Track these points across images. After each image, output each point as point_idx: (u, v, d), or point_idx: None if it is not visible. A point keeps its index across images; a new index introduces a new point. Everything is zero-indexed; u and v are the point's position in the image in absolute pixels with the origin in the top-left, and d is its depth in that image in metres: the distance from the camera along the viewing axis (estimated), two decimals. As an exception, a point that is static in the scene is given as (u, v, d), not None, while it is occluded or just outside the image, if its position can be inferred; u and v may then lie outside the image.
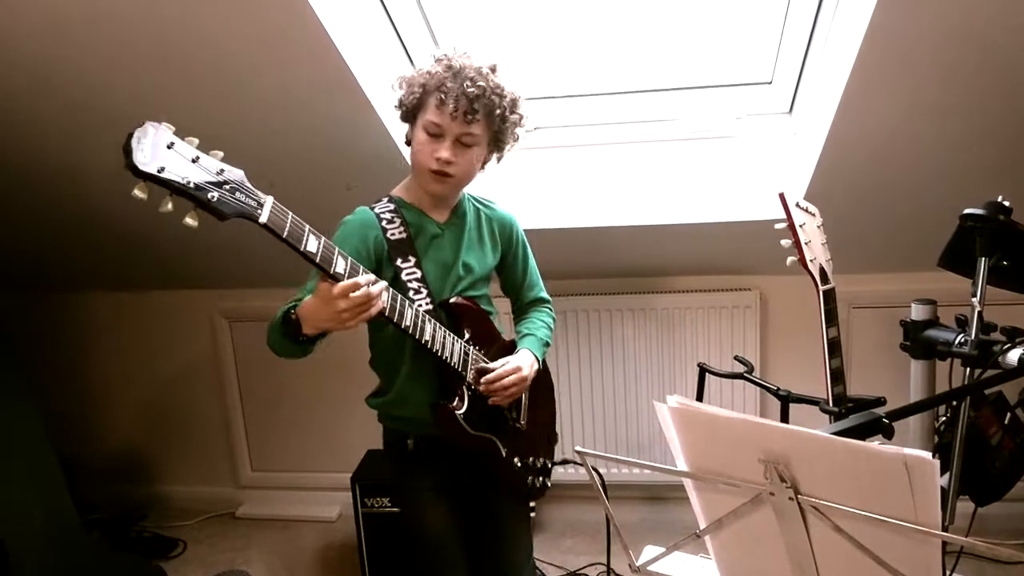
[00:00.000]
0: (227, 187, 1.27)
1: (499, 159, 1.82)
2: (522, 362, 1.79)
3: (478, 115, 1.65)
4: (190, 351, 3.24)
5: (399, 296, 1.55)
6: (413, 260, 1.70)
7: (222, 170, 1.28)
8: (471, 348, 1.74)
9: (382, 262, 1.69)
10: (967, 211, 1.66)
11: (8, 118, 2.23)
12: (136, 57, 2.00)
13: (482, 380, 1.73)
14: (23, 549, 1.99)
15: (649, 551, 1.26)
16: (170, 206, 1.23)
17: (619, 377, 2.86)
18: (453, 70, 1.64)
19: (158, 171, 1.19)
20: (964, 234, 1.68)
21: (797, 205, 1.81)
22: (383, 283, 1.48)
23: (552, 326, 1.97)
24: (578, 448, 1.11)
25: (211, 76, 2.06)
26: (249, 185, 1.31)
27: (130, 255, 2.89)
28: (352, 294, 1.41)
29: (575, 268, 2.75)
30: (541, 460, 1.93)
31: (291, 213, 1.36)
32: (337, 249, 1.43)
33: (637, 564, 1.23)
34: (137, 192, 1.19)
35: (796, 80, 2.33)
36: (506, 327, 1.94)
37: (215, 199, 1.25)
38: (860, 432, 1.36)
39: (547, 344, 1.92)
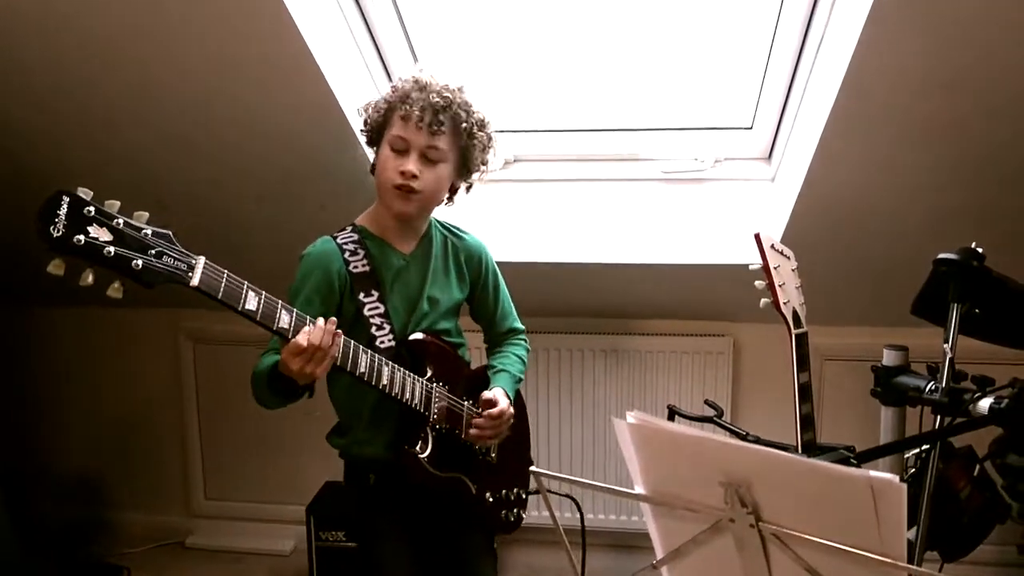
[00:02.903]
0: (152, 252, 1.21)
1: (468, 188, 1.79)
2: (498, 399, 1.75)
3: (443, 127, 1.62)
4: (150, 371, 3.15)
5: (351, 343, 1.50)
6: (376, 294, 1.65)
7: (146, 233, 1.21)
8: (434, 386, 1.68)
9: (344, 296, 1.64)
10: (941, 256, 1.65)
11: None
12: (117, 75, 1.98)
13: (471, 433, 1.70)
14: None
15: (605, 584, 1.21)
16: (91, 279, 1.16)
17: (588, 417, 2.80)
18: (419, 84, 1.63)
19: (74, 243, 1.12)
20: (937, 280, 1.68)
21: (772, 247, 1.80)
22: (330, 324, 1.42)
23: (525, 359, 1.93)
24: (533, 468, 1.07)
25: (192, 87, 2.04)
26: (178, 247, 1.24)
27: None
28: (300, 353, 1.38)
29: (546, 305, 2.71)
30: (515, 491, 1.88)
31: (227, 272, 1.30)
32: (280, 304, 1.39)
33: (591, 597, 1.18)
34: (52, 269, 1.13)
35: (775, 126, 2.34)
36: (476, 358, 1.90)
37: (139, 266, 1.19)
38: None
39: (519, 380, 1.88)
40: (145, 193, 2.00)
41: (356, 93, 2.07)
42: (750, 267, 1.77)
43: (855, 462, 1.37)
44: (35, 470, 3.16)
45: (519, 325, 1.96)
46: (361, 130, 1.71)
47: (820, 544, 0.89)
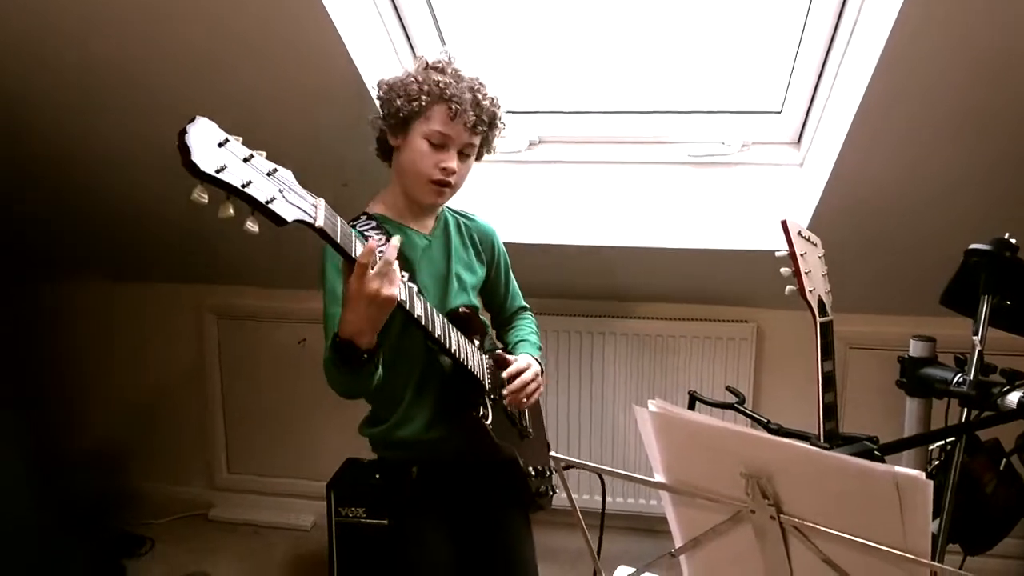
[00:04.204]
0: (281, 190, 1.17)
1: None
2: (532, 363, 1.75)
3: (485, 126, 1.63)
4: (175, 346, 3.19)
5: (423, 297, 1.49)
6: (407, 276, 1.64)
7: (274, 170, 1.18)
8: (484, 356, 1.69)
9: None
10: (972, 246, 1.62)
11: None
12: (142, 47, 1.99)
13: (507, 388, 1.68)
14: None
15: (622, 571, 1.21)
16: (231, 211, 1.12)
17: (608, 401, 2.80)
18: (460, 79, 1.60)
19: (217, 171, 1.08)
20: (968, 271, 1.64)
21: (799, 234, 1.77)
22: (395, 240, 1.38)
23: (537, 331, 1.93)
24: (552, 453, 1.06)
25: (216, 65, 2.04)
26: (300, 187, 1.22)
27: (119, 242, 2.86)
28: (371, 271, 1.32)
29: (567, 288, 2.71)
30: (543, 466, 1.87)
31: (339, 217, 1.28)
32: (377, 251, 1.35)
33: (609, 583, 1.18)
34: (198, 195, 1.08)
35: (805, 111, 2.30)
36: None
37: (275, 202, 1.15)
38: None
39: (539, 348, 1.88)
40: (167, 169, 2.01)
41: (380, 67, 2.06)
42: (776, 254, 1.75)
43: (878, 454, 1.35)
44: (62, 443, 3.21)
45: (525, 303, 1.97)
46: (387, 113, 1.63)
47: (842, 538, 0.87)
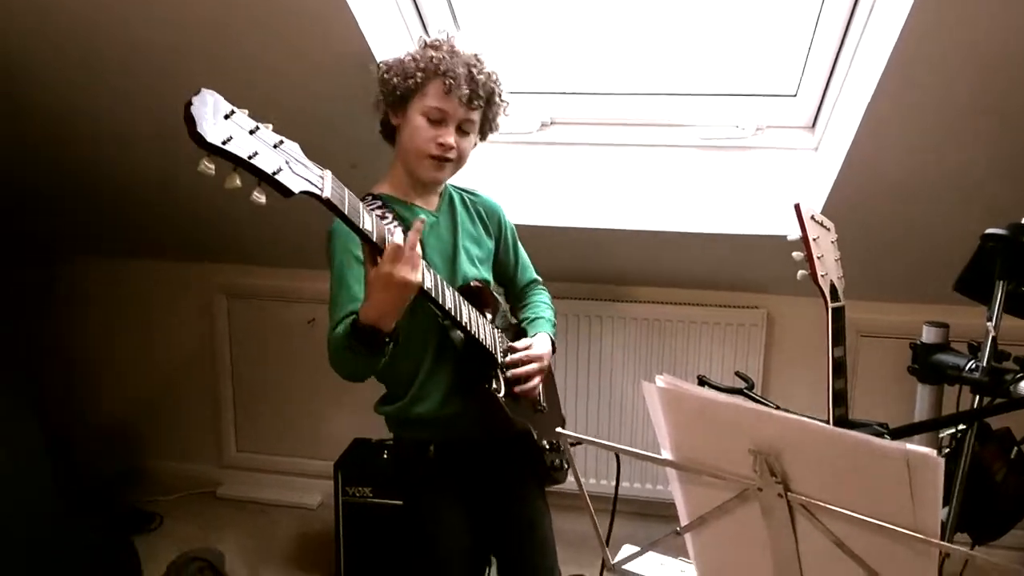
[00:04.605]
0: (287, 161, 1.17)
1: (474, 145, 1.78)
2: (541, 348, 1.75)
3: (482, 101, 1.65)
4: (185, 325, 3.20)
5: (439, 276, 1.50)
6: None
7: (281, 142, 1.18)
8: (496, 330, 1.70)
9: None
10: (988, 231, 1.60)
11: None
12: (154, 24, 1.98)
13: (508, 372, 1.69)
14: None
15: (627, 550, 1.20)
16: (238, 181, 1.11)
17: (616, 386, 2.79)
18: (455, 55, 1.62)
19: (223, 143, 1.08)
20: (983, 256, 1.63)
21: (812, 218, 1.75)
22: (418, 225, 1.39)
23: (552, 305, 1.93)
24: (558, 429, 1.06)
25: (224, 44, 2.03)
26: (307, 159, 1.22)
27: (128, 221, 2.86)
28: (402, 256, 1.33)
29: (576, 271, 2.69)
30: (557, 440, 1.87)
31: (347, 188, 1.28)
32: (386, 225, 1.36)
33: (613, 562, 1.17)
34: (204, 165, 1.08)
35: (821, 94, 2.28)
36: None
37: (282, 173, 1.15)
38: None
39: (554, 324, 1.89)
40: (175, 147, 2.01)
41: (392, 48, 2.04)
42: (788, 238, 1.73)
43: (889, 438, 1.34)
44: (73, 420, 3.23)
45: (537, 276, 1.97)
46: (386, 93, 1.67)
47: (850, 517, 0.86)
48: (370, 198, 1.68)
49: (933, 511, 0.83)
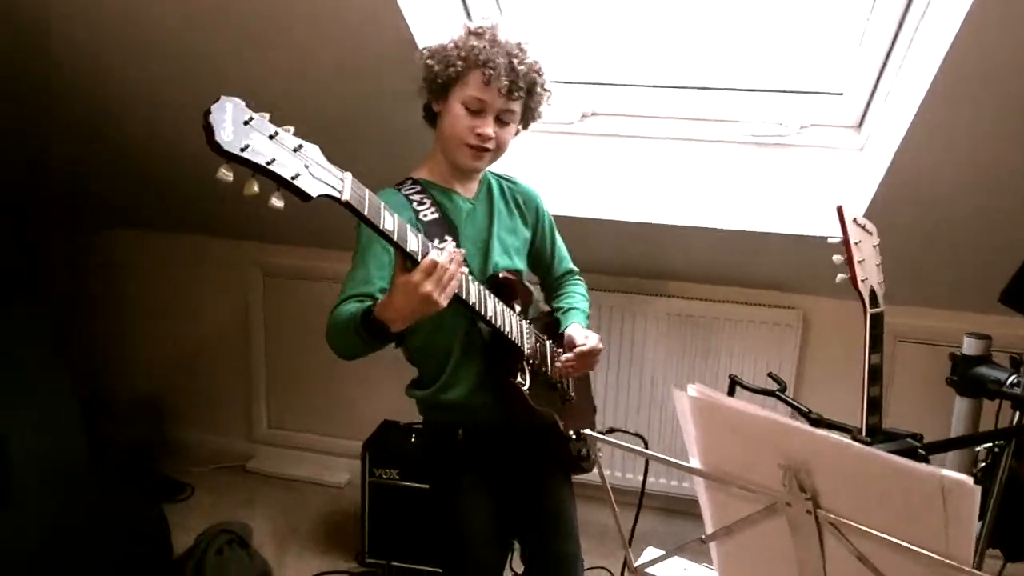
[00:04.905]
0: (306, 165, 1.19)
1: (516, 133, 1.77)
2: (589, 336, 1.75)
3: (522, 92, 1.63)
4: (220, 300, 3.25)
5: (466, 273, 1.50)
6: (449, 239, 1.64)
7: (300, 146, 1.19)
8: (524, 321, 1.69)
9: None
10: (1038, 243, 1.56)
11: (74, 47, 2.24)
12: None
13: (564, 357, 1.70)
14: (29, 476, 2.00)
15: (650, 553, 1.20)
16: (256, 188, 1.13)
17: (646, 379, 2.78)
18: (497, 44, 1.61)
19: (241, 150, 1.10)
20: (1031, 268, 1.58)
21: (855, 221, 1.72)
22: (454, 248, 1.40)
23: (587, 296, 1.93)
24: (586, 431, 1.05)
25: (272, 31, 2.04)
26: (326, 160, 1.23)
27: (173, 195, 2.89)
28: (434, 274, 1.34)
29: (612, 263, 2.68)
30: (587, 430, 1.88)
31: (367, 190, 1.29)
32: (408, 227, 1.36)
33: (635, 564, 1.17)
34: (222, 173, 1.10)
35: (869, 94, 2.23)
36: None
37: (300, 178, 1.17)
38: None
39: (587, 315, 1.89)
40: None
41: (434, 34, 2.04)
42: (829, 240, 1.71)
43: (923, 453, 1.32)
44: (107, 388, 3.31)
45: (574, 267, 1.96)
46: (428, 80, 1.66)
47: (880, 538, 0.85)
48: (409, 182, 1.70)
49: (966, 537, 0.81)
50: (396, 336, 1.45)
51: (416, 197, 1.66)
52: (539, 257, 1.89)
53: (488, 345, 1.66)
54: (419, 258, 1.35)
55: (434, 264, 1.34)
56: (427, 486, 2.15)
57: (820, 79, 2.33)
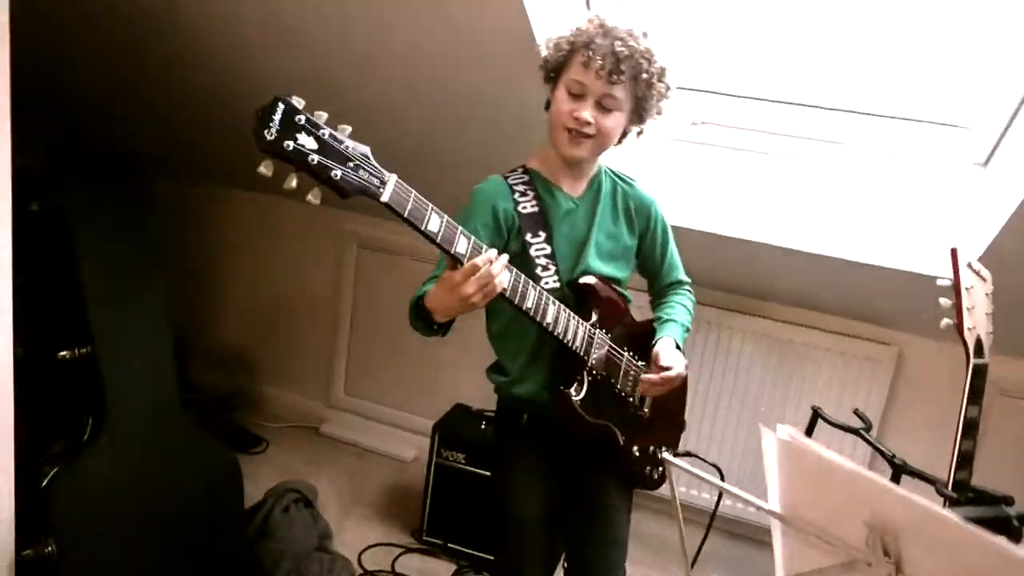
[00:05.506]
0: (351, 164, 1.26)
1: (639, 134, 1.73)
2: (675, 362, 1.69)
3: (623, 76, 1.57)
4: (314, 266, 3.34)
5: (522, 276, 1.50)
6: (544, 235, 1.65)
7: (348, 146, 1.26)
8: (596, 331, 1.67)
9: (511, 234, 1.65)
10: None
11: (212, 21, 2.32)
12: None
13: (644, 378, 1.69)
14: (125, 406, 2.11)
15: (714, 583, 1.17)
16: (294, 183, 1.24)
17: (724, 399, 2.72)
18: (604, 29, 1.58)
19: (284, 148, 1.19)
20: None
21: (969, 265, 1.64)
22: (503, 258, 1.43)
23: (692, 309, 1.87)
24: (665, 455, 1.03)
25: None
26: (374, 162, 1.29)
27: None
28: (474, 276, 1.38)
29: (707, 276, 2.61)
30: (663, 450, 1.85)
31: (414, 192, 1.33)
32: (460, 229, 1.39)
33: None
34: (262, 169, 1.20)
35: (1001, 132, 2.11)
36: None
37: (338, 176, 1.24)
38: (981, 525, 1.22)
39: (687, 330, 1.83)
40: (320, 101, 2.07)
41: (551, 22, 2.03)
42: (938, 282, 1.64)
43: (1017, 525, 1.25)
44: (202, 336, 3.44)
45: (685, 278, 1.90)
46: (540, 66, 1.68)
47: (964, 615, 0.81)
48: (520, 170, 1.71)
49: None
50: (441, 327, 1.51)
51: (520, 188, 1.67)
52: (646, 262, 1.85)
53: (557, 349, 1.65)
54: (465, 260, 1.39)
55: (475, 268, 1.37)
56: (490, 473, 2.17)
57: (946, 110, 2.22)
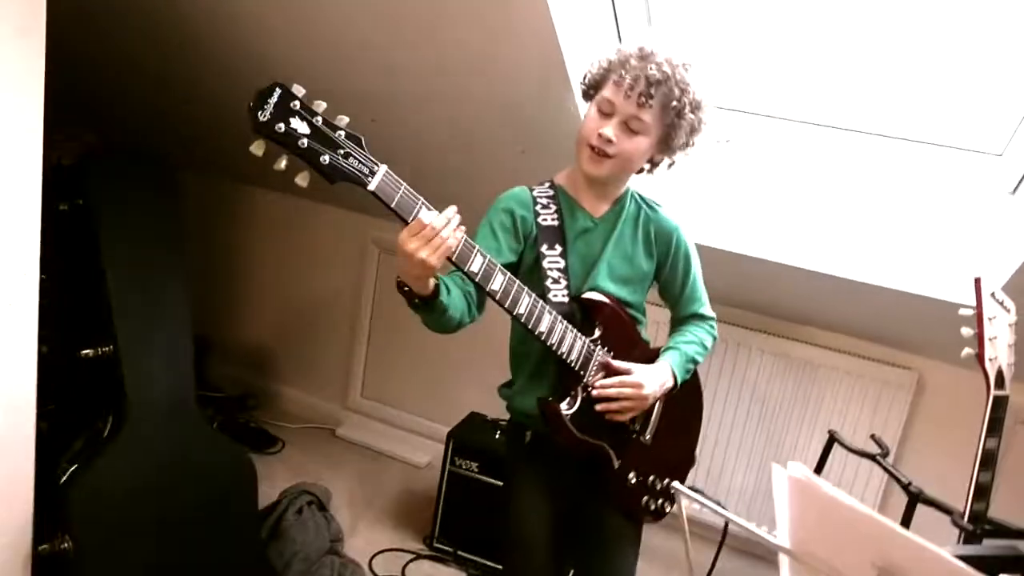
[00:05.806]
0: (341, 151, 1.30)
1: (670, 165, 1.73)
2: (647, 379, 1.66)
3: (653, 100, 1.57)
4: (336, 268, 3.37)
5: (515, 280, 1.50)
6: (559, 249, 1.66)
7: (341, 134, 1.30)
8: (597, 348, 1.65)
9: (527, 243, 1.67)
10: None
11: (237, 19, 2.34)
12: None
13: (596, 384, 1.65)
14: (144, 405, 2.14)
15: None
16: (283, 164, 1.28)
17: (739, 419, 2.71)
18: (643, 52, 1.59)
19: (275, 130, 1.24)
20: None
21: (992, 295, 1.63)
22: (456, 219, 1.39)
23: (706, 344, 1.83)
24: (675, 485, 1.03)
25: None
26: (365, 151, 1.32)
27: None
28: (420, 232, 1.35)
29: (726, 295, 2.60)
30: (664, 482, 1.81)
31: (404, 184, 1.34)
32: (434, 213, 1.39)
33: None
34: (253, 148, 1.25)
35: (1033, 161, 2.08)
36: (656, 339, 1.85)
37: (326, 162, 1.28)
38: (994, 564, 1.20)
39: (694, 361, 1.79)
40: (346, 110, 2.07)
41: (580, 40, 2.03)
42: (961, 311, 1.62)
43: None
44: (222, 334, 3.48)
45: (707, 312, 1.86)
46: (580, 83, 1.71)
47: (972, 663, 0.80)
48: (547, 184, 1.73)
49: None
50: (425, 302, 1.48)
51: (544, 200, 1.69)
52: (667, 289, 1.84)
53: (558, 363, 1.64)
54: (454, 257, 1.41)
55: (421, 224, 1.35)
56: (502, 484, 2.17)
57: (980, 136, 2.19)
